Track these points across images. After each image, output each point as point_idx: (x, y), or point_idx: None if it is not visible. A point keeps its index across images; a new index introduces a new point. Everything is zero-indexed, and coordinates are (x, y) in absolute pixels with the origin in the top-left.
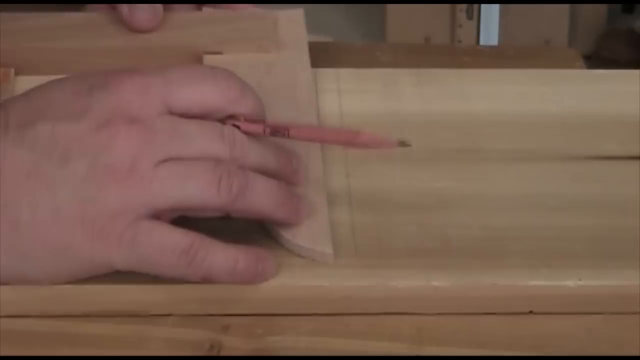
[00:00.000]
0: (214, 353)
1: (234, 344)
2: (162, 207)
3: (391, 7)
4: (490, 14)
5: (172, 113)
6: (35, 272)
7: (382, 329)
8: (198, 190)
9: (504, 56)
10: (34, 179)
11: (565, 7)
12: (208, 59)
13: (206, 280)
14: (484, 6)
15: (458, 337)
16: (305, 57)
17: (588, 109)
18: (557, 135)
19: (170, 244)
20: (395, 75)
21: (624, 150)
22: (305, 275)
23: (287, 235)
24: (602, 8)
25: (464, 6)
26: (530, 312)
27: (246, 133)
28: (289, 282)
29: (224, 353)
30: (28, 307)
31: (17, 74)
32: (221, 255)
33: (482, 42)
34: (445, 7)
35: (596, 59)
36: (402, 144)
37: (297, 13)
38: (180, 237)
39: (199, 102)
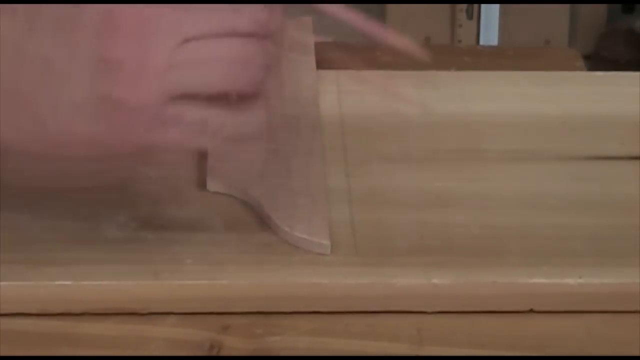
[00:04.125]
0: (213, 353)
1: (233, 344)
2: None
3: (391, 7)
4: (490, 14)
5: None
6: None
7: (381, 329)
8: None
9: (504, 56)
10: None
11: (565, 7)
12: None
13: None
14: (484, 6)
15: (458, 337)
16: (311, 60)
17: (588, 110)
18: (557, 135)
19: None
20: (395, 76)
21: (624, 150)
22: (305, 272)
23: (285, 227)
24: (602, 8)
25: (463, 6)
26: (531, 310)
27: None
28: (288, 279)
29: (224, 353)
30: (27, 305)
31: None
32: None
33: (482, 42)
34: (445, 7)
35: (596, 59)
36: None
37: (306, 20)
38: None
39: None
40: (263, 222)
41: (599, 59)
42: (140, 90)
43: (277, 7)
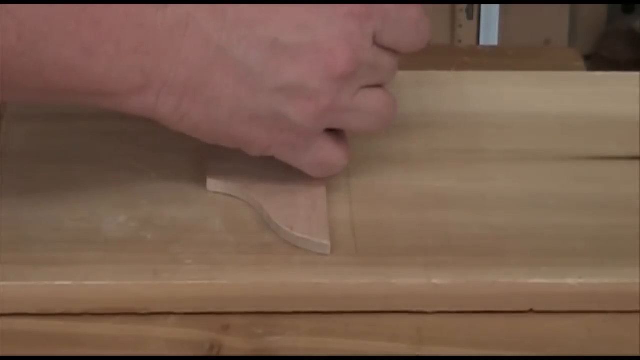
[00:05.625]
0: (213, 353)
1: (233, 344)
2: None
3: None
4: (490, 14)
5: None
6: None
7: (381, 329)
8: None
9: (504, 56)
10: (241, 85)
11: (565, 7)
12: None
13: None
14: (484, 6)
15: (458, 336)
16: None
17: (588, 110)
18: (557, 135)
19: (330, 163)
20: (397, 77)
21: (624, 150)
22: (305, 272)
23: (285, 227)
24: (602, 8)
25: (463, 6)
26: (531, 310)
27: None
28: (288, 279)
29: (224, 353)
30: (27, 305)
31: None
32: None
33: (482, 42)
34: (445, 7)
35: (596, 59)
36: None
37: None
38: (340, 157)
39: (396, 47)
40: (263, 222)
41: (599, 59)
42: (311, 119)
43: None
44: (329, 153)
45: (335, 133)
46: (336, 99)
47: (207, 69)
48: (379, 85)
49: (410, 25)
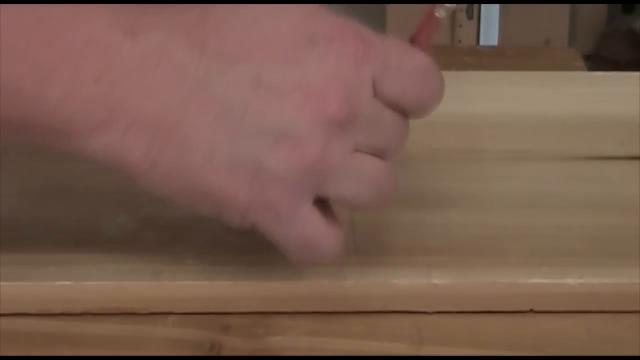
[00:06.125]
0: (214, 353)
1: (234, 344)
2: (330, 197)
3: (391, 8)
4: (490, 14)
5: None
6: (176, 198)
7: (382, 329)
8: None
9: (504, 56)
10: (219, 126)
11: (565, 7)
12: None
13: None
14: (484, 6)
15: (458, 336)
16: None
17: (588, 110)
18: (557, 135)
19: (319, 245)
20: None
21: (624, 150)
22: (305, 272)
23: None
24: (602, 8)
25: (463, 6)
26: (531, 310)
27: None
28: (289, 279)
29: (224, 353)
30: (27, 305)
31: None
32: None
33: (482, 42)
34: None
35: (596, 59)
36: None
37: None
38: (330, 241)
39: (400, 101)
40: None
41: (599, 59)
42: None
43: None
44: (318, 232)
45: (327, 213)
46: (326, 151)
47: (182, 106)
48: (379, 156)
49: (415, 74)
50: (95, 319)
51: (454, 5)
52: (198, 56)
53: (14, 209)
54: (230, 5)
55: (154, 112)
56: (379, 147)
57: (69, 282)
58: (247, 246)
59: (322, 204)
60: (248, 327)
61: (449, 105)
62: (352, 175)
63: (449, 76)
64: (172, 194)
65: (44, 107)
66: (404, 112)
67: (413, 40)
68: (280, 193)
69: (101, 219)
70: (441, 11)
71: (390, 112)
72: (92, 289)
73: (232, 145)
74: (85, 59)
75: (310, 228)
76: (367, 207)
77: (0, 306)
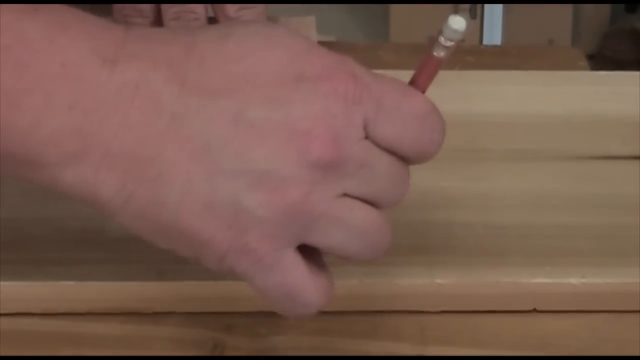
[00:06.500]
0: (217, 353)
1: (237, 344)
2: (316, 245)
3: (394, 7)
4: (494, 13)
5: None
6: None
7: (385, 328)
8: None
9: (507, 56)
10: (196, 163)
11: (568, 7)
12: None
13: None
14: (487, 6)
15: (461, 336)
16: None
17: (591, 110)
18: (560, 135)
19: (301, 295)
20: (398, 76)
21: (627, 150)
22: None
23: None
24: (606, 7)
25: (467, 6)
26: (534, 309)
27: None
28: None
29: (227, 353)
30: (30, 305)
31: None
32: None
33: (485, 42)
34: (449, 7)
35: (599, 59)
36: None
37: (309, 19)
38: (314, 292)
39: (396, 146)
40: None
41: (603, 59)
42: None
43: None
44: (300, 281)
45: (315, 262)
46: (310, 195)
47: (158, 141)
48: (373, 204)
49: (413, 118)
50: (99, 319)
51: (454, 44)
52: (177, 90)
53: (17, 208)
54: (218, 38)
55: (129, 146)
56: (372, 194)
57: (72, 282)
58: None
59: (311, 252)
60: (251, 327)
61: (451, 104)
62: (338, 224)
63: (452, 75)
64: (147, 232)
65: (13, 136)
66: (401, 158)
67: (413, 82)
68: (259, 237)
69: (104, 218)
70: (440, 52)
71: (386, 157)
72: (95, 288)
73: (209, 185)
74: (59, 87)
75: (292, 277)
76: (356, 259)
77: (2, 306)
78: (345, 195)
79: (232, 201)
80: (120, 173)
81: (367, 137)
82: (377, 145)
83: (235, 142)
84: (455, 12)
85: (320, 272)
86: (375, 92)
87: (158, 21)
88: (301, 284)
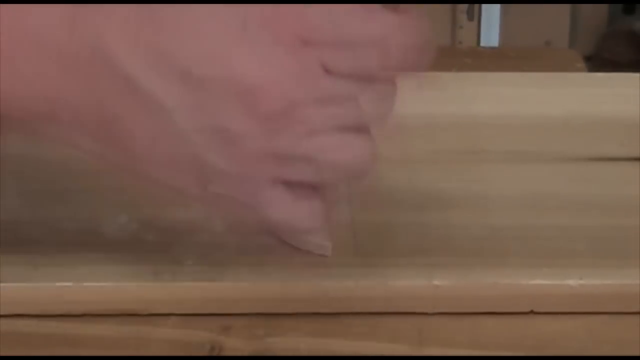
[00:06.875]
0: (214, 354)
1: (234, 345)
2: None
3: None
4: (491, 15)
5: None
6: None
7: (382, 330)
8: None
9: (505, 57)
10: (154, 122)
11: (565, 8)
12: None
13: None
14: (484, 7)
15: (459, 338)
16: None
17: (589, 111)
18: (558, 136)
19: (288, 223)
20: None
21: (625, 151)
22: (305, 274)
23: None
24: (603, 9)
25: (464, 7)
26: (531, 311)
27: None
28: (289, 281)
29: (225, 354)
30: (27, 306)
31: None
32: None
33: (482, 43)
34: (446, 8)
35: (597, 60)
36: None
37: None
38: (301, 218)
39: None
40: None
41: (600, 60)
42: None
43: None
44: (284, 213)
45: (300, 187)
46: (269, 144)
47: (118, 100)
48: (359, 129)
49: (373, 44)
50: (96, 320)
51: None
52: (132, 48)
53: (15, 209)
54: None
55: (94, 107)
56: (349, 120)
57: (69, 283)
58: (247, 247)
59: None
60: (248, 328)
61: (449, 106)
62: (308, 161)
63: (450, 77)
64: (127, 177)
65: None
66: (374, 80)
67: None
68: (229, 186)
69: (102, 220)
70: None
71: (353, 84)
72: (92, 290)
73: (169, 144)
74: (22, 52)
75: (276, 211)
76: (340, 182)
77: (0, 307)
78: (321, 129)
79: (194, 157)
80: (90, 133)
81: (328, 72)
82: (343, 77)
83: (186, 101)
84: (454, 13)
85: (303, 197)
86: (327, 28)
87: None
88: (286, 215)
